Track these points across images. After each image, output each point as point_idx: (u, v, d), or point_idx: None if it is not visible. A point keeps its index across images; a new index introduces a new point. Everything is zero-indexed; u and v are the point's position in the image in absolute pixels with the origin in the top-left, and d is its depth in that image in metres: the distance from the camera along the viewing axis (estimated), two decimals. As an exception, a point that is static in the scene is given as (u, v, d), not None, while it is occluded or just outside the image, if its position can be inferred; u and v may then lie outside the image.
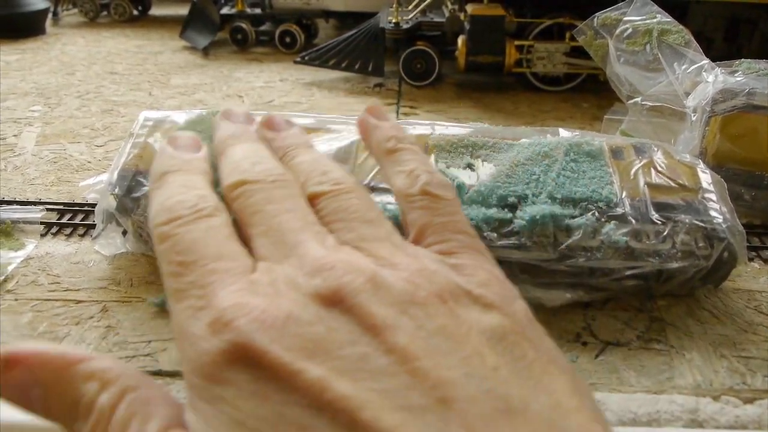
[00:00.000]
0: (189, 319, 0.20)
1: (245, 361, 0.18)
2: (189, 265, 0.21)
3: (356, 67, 0.77)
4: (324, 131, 0.40)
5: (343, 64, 0.77)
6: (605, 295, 0.36)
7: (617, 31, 0.54)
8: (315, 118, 0.41)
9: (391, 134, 0.29)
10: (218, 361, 0.18)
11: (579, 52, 0.71)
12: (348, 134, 0.39)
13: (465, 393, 0.17)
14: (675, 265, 0.35)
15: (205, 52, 0.93)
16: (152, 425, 0.19)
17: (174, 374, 0.31)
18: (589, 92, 0.74)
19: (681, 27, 0.52)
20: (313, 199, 0.25)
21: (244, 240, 0.23)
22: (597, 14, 0.55)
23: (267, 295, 0.20)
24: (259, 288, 0.20)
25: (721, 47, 0.74)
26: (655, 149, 0.39)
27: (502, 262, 0.35)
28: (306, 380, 0.17)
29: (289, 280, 0.20)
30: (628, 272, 0.35)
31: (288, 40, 0.94)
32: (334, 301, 0.19)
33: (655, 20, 0.53)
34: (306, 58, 0.79)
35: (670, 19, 0.53)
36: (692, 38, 0.51)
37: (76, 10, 1.21)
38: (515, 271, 0.36)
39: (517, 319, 0.21)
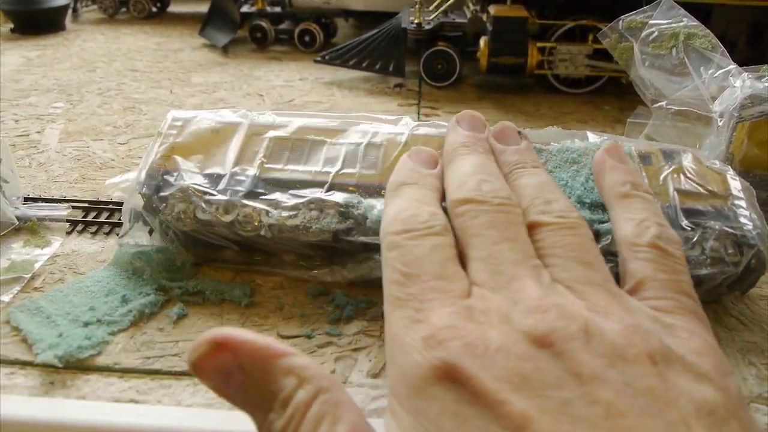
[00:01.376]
0: (404, 328, 0.21)
1: (453, 382, 0.19)
2: (412, 277, 0.22)
3: (377, 67, 0.77)
4: (341, 132, 0.40)
5: (364, 64, 0.77)
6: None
7: (642, 34, 0.54)
8: (340, 119, 0.41)
9: (627, 178, 0.29)
10: (427, 375, 0.19)
11: (601, 55, 0.70)
12: (372, 135, 0.39)
13: None
14: (704, 271, 0.34)
15: (225, 50, 0.93)
16: (341, 427, 0.20)
17: (202, 374, 0.31)
18: (611, 95, 0.74)
19: (707, 31, 0.52)
20: (533, 227, 0.25)
21: (461, 257, 0.24)
22: (622, 17, 0.54)
23: (480, 324, 0.20)
24: (473, 315, 0.21)
25: (744, 51, 0.73)
26: (684, 155, 0.39)
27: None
28: (509, 412, 0.18)
29: (502, 313, 0.21)
30: (657, 279, 0.35)
31: (307, 38, 0.94)
32: (545, 343, 0.19)
33: (681, 24, 0.53)
34: (327, 57, 0.79)
35: (696, 22, 0.52)
36: (719, 43, 0.51)
37: (95, 7, 1.21)
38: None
39: (730, 396, 0.20)
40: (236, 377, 0.21)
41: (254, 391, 0.21)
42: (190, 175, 0.38)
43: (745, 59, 0.51)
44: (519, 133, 0.31)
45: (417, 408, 0.19)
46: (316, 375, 0.21)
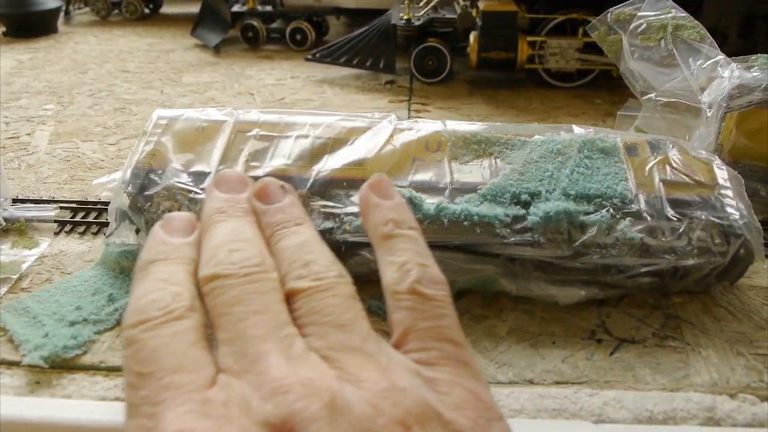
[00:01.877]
0: None
1: None
2: (146, 377, 0.20)
3: (368, 64, 0.77)
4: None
5: (355, 62, 0.77)
6: (620, 293, 0.36)
7: (631, 26, 0.54)
8: (325, 115, 0.41)
9: (389, 217, 0.26)
10: None
11: (592, 48, 0.70)
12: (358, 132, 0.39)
13: None
14: (691, 262, 0.34)
15: (217, 49, 0.93)
16: None
17: (188, 372, 0.31)
18: (602, 88, 0.74)
19: (696, 22, 0.52)
20: (292, 296, 0.23)
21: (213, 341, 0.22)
22: (611, 10, 0.54)
23: (216, 419, 0.19)
24: (210, 409, 0.19)
25: (736, 43, 0.73)
26: (670, 145, 0.39)
27: (515, 260, 0.35)
28: None
29: (243, 401, 0.20)
30: (643, 269, 0.35)
31: (299, 37, 0.94)
32: (284, 430, 0.19)
33: (669, 15, 0.53)
34: (317, 55, 0.79)
35: (684, 14, 0.52)
36: (707, 33, 0.51)
37: (87, 9, 1.21)
38: (529, 268, 0.35)
39: None
40: None
41: None
42: (175, 173, 0.38)
43: (736, 50, 0.51)
44: (282, 187, 0.28)
45: None
46: None
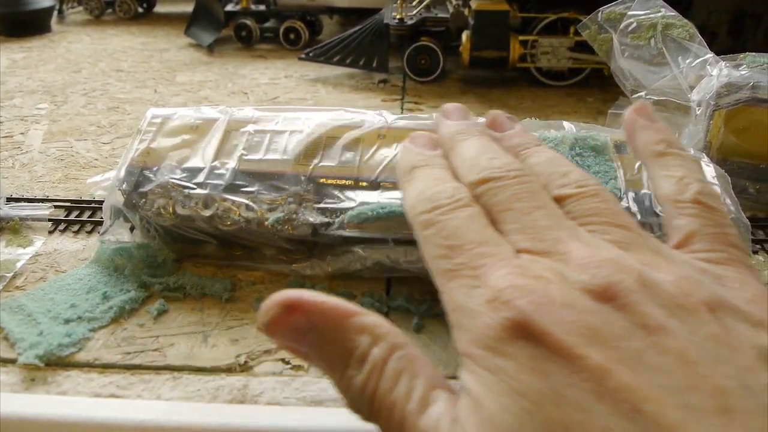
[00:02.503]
0: (465, 296, 0.21)
1: (526, 339, 0.19)
2: (457, 248, 0.23)
3: (361, 63, 0.77)
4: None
5: (348, 61, 0.78)
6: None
7: (621, 25, 0.54)
8: (320, 111, 0.42)
9: (660, 137, 0.28)
10: (500, 336, 0.19)
11: (583, 47, 0.71)
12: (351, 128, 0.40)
13: (744, 405, 0.17)
14: (679, 258, 0.35)
15: (210, 49, 0.93)
16: (419, 382, 0.20)
17: (181, 369, 0.32)
18: (594, 87, 0.74)
19: (685, 21, 0.52)
20: (557, 201, 0.25)
21: None
22: (601, 9, 0.55)
23: (539, 280, 0.20)
24: (530, 272, 0.21)
25: (726, 41, 0.74)
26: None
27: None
28: (588, 365, 0.18)
29: (556, 272, 0.21)
30: (633, 265, 0.35)
31: (292, 36, 0.94)
32: (606, 297, 0.20)
33: (659, 14, 0.53)
34: (311, 54, 0.79)
35: (674, 13, 0.52)
36: (696, 32, 0.51)
37: (81, 8, 1.21)
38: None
39: None
40: (311, 336, 0.21)
41: (329, 349, 0.21)
42: (170, 170, 0.38)
43: (726, 49, 0.51)
44: (509, 118, 0.32)
45: (495, 366, 0.19)
46: (389, 332, 0.21)
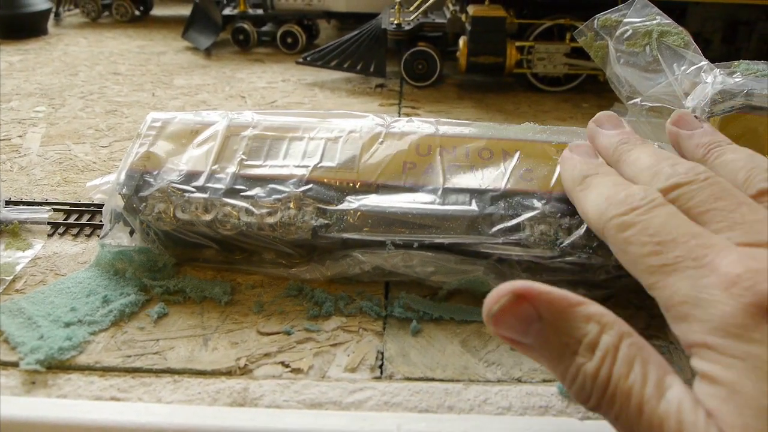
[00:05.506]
0: (693, 288, 0.21)
1: None
2: (668, 243, 0.23)
3: (358, 67, 0.78)
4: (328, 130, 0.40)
5: (345, 65, 0.78)
6: (605, 293, 0.37)
7: (617, 32, 0.55)
8: (319, 116, 0.42)
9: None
10: (744, 321, 0.20)
11: (579, 53, 0.71)
12: (350, 132, 0.40)
13: None
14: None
15: (208, 52, 0.93)
16: (652, 367, 0.21)
17: (182, 372, 0.32)
18: (589, 92, 0.75)
19: (681, 29, 0.53)
20: (760, 196, 0.25)
21: None
22: (597, 16, 0.55)
23: None
24: (758, 258, 0.21)
25: (720, 48, 0.74)
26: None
27: (503, 260, 0.36)
28: None
29: None
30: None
31: (290, 40, 0.94)
32: None
33: (654, 22, 0.54)
34: (308, 58, 0.79)
35: (669, 20, 0.53)
36: (691, 40, 0.52)
37: (77, 11, 1.21)
38: (517, 270, 0.36)
39: None
40: (535, 326, 0.22)
41: (554, 338, 0.22)
42: (170, 174, 0.38)
43: (720, 56, 0.52)
44: (696, 116, 0.33)
45: (745, 352, 0.20)
46: (615, 320, 0.22)
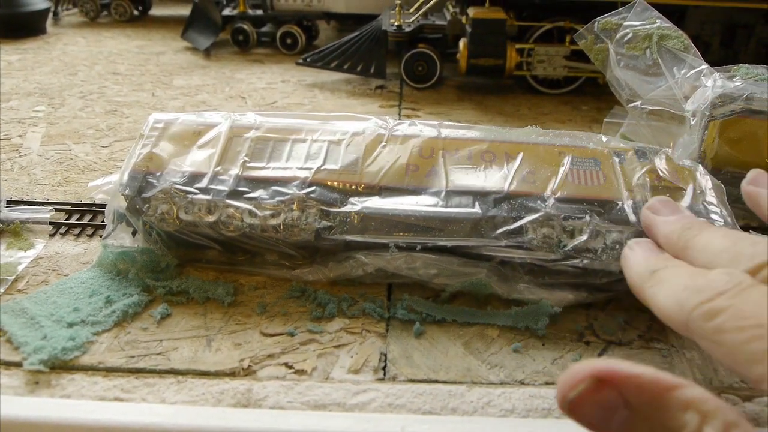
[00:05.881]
0: None
1: None
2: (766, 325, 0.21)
3: (358, 69, 0.78)
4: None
5: (346, 66, 0.78)
6: (607, 296, 0.37)
7: (617, 35, 0.55)
8: (322, 118, 0.42)
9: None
10: None
11: (579, 56, 0.71)
12: (353, 134, 0.40)
13: None
14: (676, 266, 0.35)
15: (207, 53, 0.93)
16: None
17: (186, 372, 0.32)
18: (589, 95, 0.75)
19: (680, 32, 0.53)
20: None
21: None
22: (597, 19, 0.55)
23: None
24: None
25: (718, 52, 0.75)
26: (657, 154, 0.40)
27: (506, 263, 0.36)
28: None
29: None
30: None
31: (289, 41, 0.94)
32: None
33: (654, 25, 0.54)
34: (308, 59, 0.79)
35: (669, 24, 0.53)
36: (691, 43, 0.52)
37: (76, 10, 1.21)
38: (519, 272, 0.36)
39: None
40: (621, 414, 0.19)
41: (644, 429, 0.19)
42: (172, 175, 0.38)
43: (719, 59, 0.52)
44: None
45: None
46: (719, 408, 0.19)
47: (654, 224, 0.32)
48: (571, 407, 0.19)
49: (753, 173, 0.32)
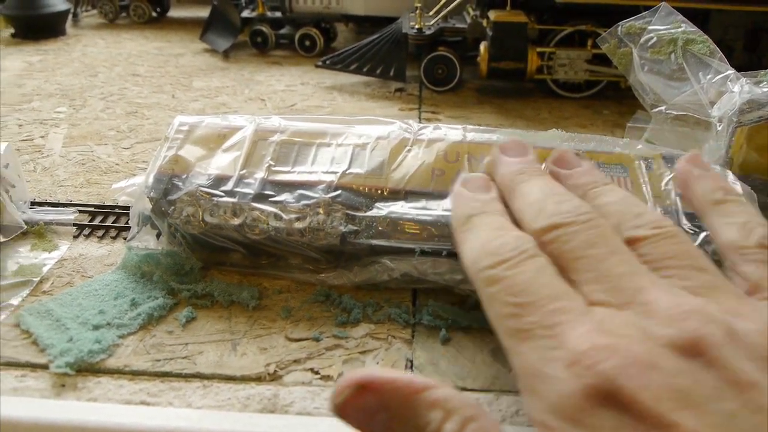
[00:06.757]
0: (541, 359, 0.20)
1: (611, 407, 0.18)
2: (527, 306, 0.21)
3: (378, 71, 0.78)
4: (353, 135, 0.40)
5: (365, 69, 0.78)
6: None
7: (641, 39, 0.54)
8: (346, 122, 0.42)
9: (718, 185, 0.28)
10: (582, 404, 0.18)
11: (600, 59, 0.71)
12: (377, 138, 0.40)
13: None
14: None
15: (226, 54, 0.94)
16: None
17: (211, 377, 0.32)
18: (610, 99, 0.75)
19: (706, 37, 0.52)
20: (631, 243, 0.24)
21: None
22: (621, 23, 0.55)
23: (622, 338, 0.19)
24: (612, 329, 0.20)
25: (742, 56, 0.74)
26: (685, 159, 0.39)
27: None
28: None
29: (638, 326, 0.20)
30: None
31: (308, 43, 0.94)
32: (695, 352, 0.19)
33: (680, 29, 0.53)
34: (328, 62, 0.79)
35: (694, 28, 0.53)
36: (717, 48, 0.52)
37: (95, 12, 1.22)
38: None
39: None
40: (380, 416, 0.20)
41: (400, 428, 0.20)
42: (198, 178, 0.38)
43: (742, 64, 0.51)
44: (577, 154, 0.31)
45: None
46: (461, 405, 0.20)
47: (496, 164, 0.31)
48: (339, 411, 0.21)
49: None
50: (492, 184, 0.29)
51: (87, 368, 0.32)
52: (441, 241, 0.35)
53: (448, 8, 0.79)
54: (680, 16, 0.54)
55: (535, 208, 0.26)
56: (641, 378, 0.18)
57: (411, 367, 0.33)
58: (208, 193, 0.37)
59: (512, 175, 0.29)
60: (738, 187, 0.37)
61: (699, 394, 0.18)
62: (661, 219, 0.25)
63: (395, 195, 0.37)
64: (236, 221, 0.37)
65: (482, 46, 0.74)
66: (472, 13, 0.80)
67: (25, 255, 0.41)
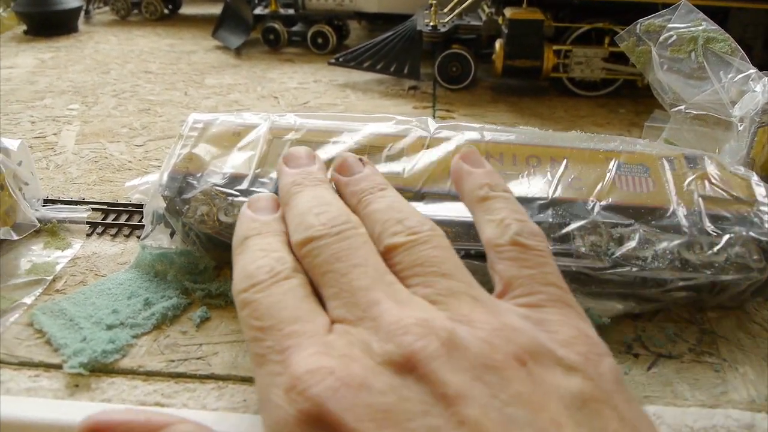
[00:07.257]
0: (269, 386, 0.20)
1: (322, 430, 0.18)
2: (267, 330, 0.22)
3: (392, 69, 0.77)
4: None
5: (379, 66, 0.77)
6: (655, 307, 0.36)
7: (661, 38, 0.54)
8: (361, 120, 0.41)
9: (484, 181, 0.28)
10: (295, 430, 0.19)
11: (617, 58, 0.70)
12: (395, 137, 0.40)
13: None
14: (729, 277, 0.34)
15: (238, 52, 0.93)
16: None
17: (226, 378, 0.31)
18: (626, 98, 0.74)
19: (727, 35, 0.51)
20: (389, 252, 0.24)
21: (321, 300, 0.24)
22: (640, 21, 0.54)
23: (341, 359, 0.20)
24: (334, 351, 0.20)
25: (761, 55, 0.73)
26: (707, 160, 0.38)
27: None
28: None
29: (363, 345, 0.20)
30: (681, 283, 0.34)
31: (320, 40, 0.94)
32: (407, 368, 0.19)
33: (700, 28, 0.52)
34: (341, 59, 0.79)
35: (715, 26, 0.52)
36: (738, 47, 0.51)
37: (107, 8, 1.22)
38: (565, 280, 0.35)
39: (601, 384, 0.20)
40: None
41: None
42: (213, 177, 0.38)
43: (761, 63, 0.50)
44: (360, 159, 0.30)
45: None
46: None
47: (278, 174, 0.31)
48: None
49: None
50: (278, 204, 0.29)
51: (101, 368, 0.32)
52: (459, 242, 0.35)
53: (463, 5, 0.78)
54: (701, 14, 0.53)
55: (297, 221, 0.26)
56: (348, 400, 0.18)
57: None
58: (222, 192, 0.37)
59: (288, 187, 0.28)
60: (762, 188, 0.37)
61: (401, 411, 0.18)
62: (420, 223, 0.25)
63: (412, 195, 0.37)
64: (251, 220, 0.36)
65: (497, 44, 0.73)
66: (487, 10, 0.79)
67: (38, 253, 0.41)
